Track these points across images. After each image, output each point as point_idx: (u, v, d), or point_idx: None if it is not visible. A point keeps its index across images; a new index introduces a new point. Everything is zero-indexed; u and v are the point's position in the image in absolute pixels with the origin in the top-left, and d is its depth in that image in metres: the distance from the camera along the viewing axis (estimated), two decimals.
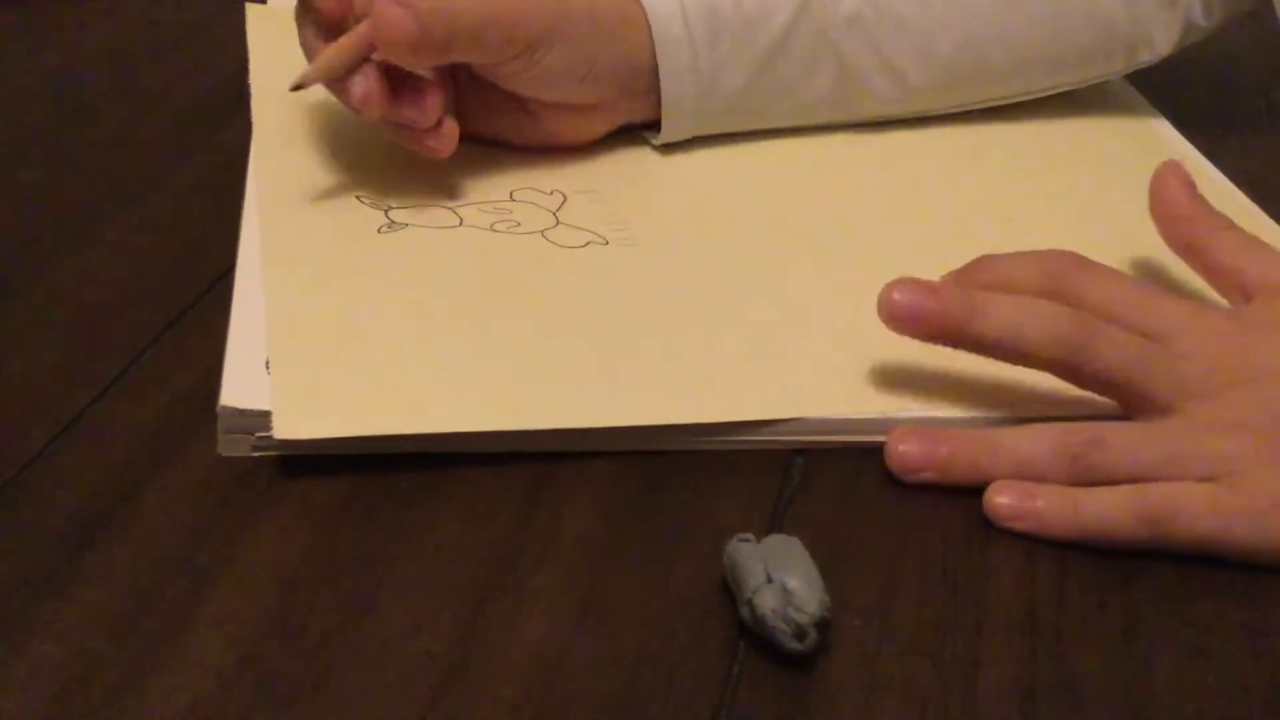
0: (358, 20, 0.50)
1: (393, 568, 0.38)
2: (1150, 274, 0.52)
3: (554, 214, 0.54)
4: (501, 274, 0.50)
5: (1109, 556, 0.41)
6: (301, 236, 0.50)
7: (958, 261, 0.47)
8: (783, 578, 0.37)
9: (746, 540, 0.38)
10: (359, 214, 0.52)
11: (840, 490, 0.43)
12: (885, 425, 0.44)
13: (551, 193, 0.55)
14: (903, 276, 0.44)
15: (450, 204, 0.53)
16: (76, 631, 0.35)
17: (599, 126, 0.58)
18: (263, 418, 0.41)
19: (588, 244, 0.53)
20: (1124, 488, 0.41)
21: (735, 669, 0.36)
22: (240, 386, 0.42)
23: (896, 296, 0.43)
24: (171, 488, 0.40)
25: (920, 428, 0.43)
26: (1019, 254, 0.46)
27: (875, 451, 0.44)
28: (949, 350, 0.44)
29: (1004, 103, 0.64)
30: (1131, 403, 0.43)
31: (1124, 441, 0.42)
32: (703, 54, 0.56)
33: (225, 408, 0.41)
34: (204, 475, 0.41)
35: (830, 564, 0.39)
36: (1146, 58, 0.64)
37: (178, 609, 0.36)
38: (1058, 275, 0.44)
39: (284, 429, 0.40)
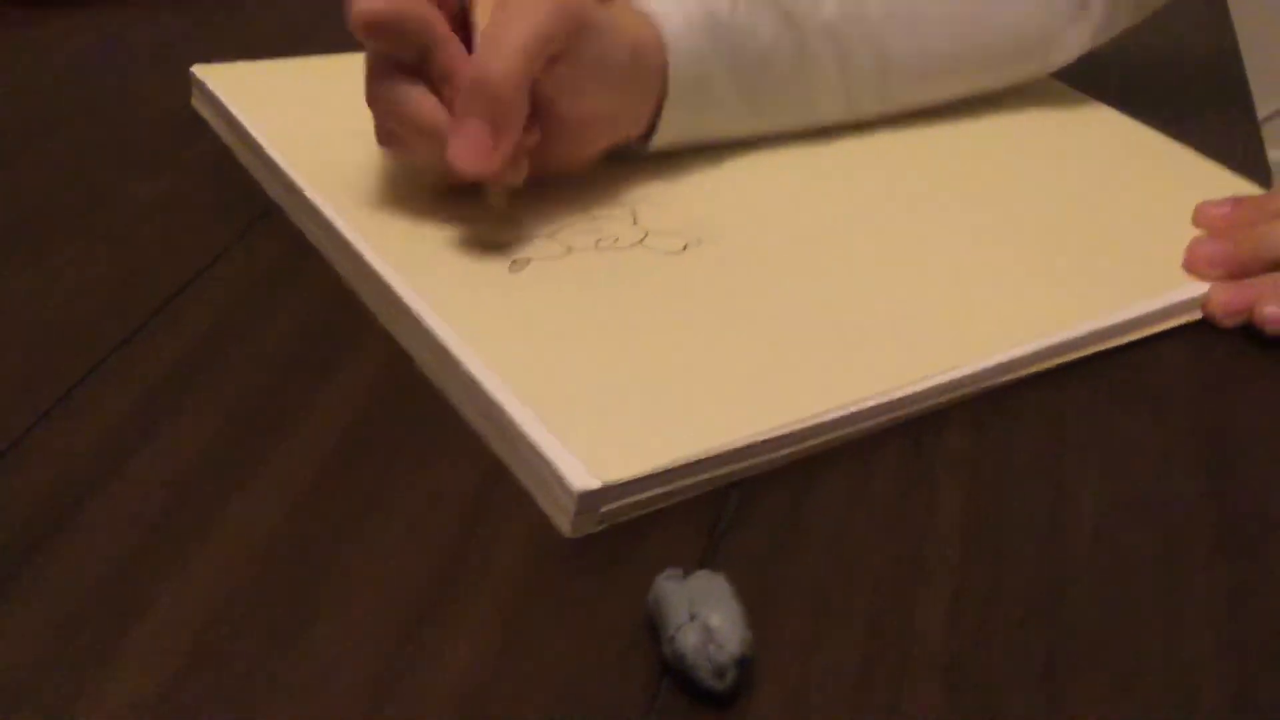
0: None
1: (322, 599, 0.39)
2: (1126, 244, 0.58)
3: (636, 224, 0.55)
4: (648, 287, 0.51)
5: (1034, 598, 0.41)
6: (465, 302, 0.49)
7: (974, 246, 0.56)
8: (705, 615, 0.37)
9: (673, 577, 0.39)
10: (479, 257, 0.51)
11: (775, 523, 0.43)
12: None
13: (615, 208, 0.56)
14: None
15: (543, 232, 0.53)
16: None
17: (600, 146, 0.56)
18: (613, 490, 0.41)
19: (686, 247, 0.54)
20: None
21: (657, 704, 0.37)
22: (573, 466, 0.42)
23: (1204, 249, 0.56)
24: (100, 519, 0.41)
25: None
26: None
27: (813, 481, 0.45)
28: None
29: (931, 104, 0.67)
30: None
31: None
32: (708, 59, 0.56)
33: (585, 494, 0.41)
34: (137, 504, 0.41)
35: (760, 600, 0.40)
36: (1059, 59, 0.68)
37: (105, 639, 0.36)
38: None
39: (603, 474, 0.41)
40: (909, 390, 0.47)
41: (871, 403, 0.46)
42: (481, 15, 0.50)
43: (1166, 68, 0.82)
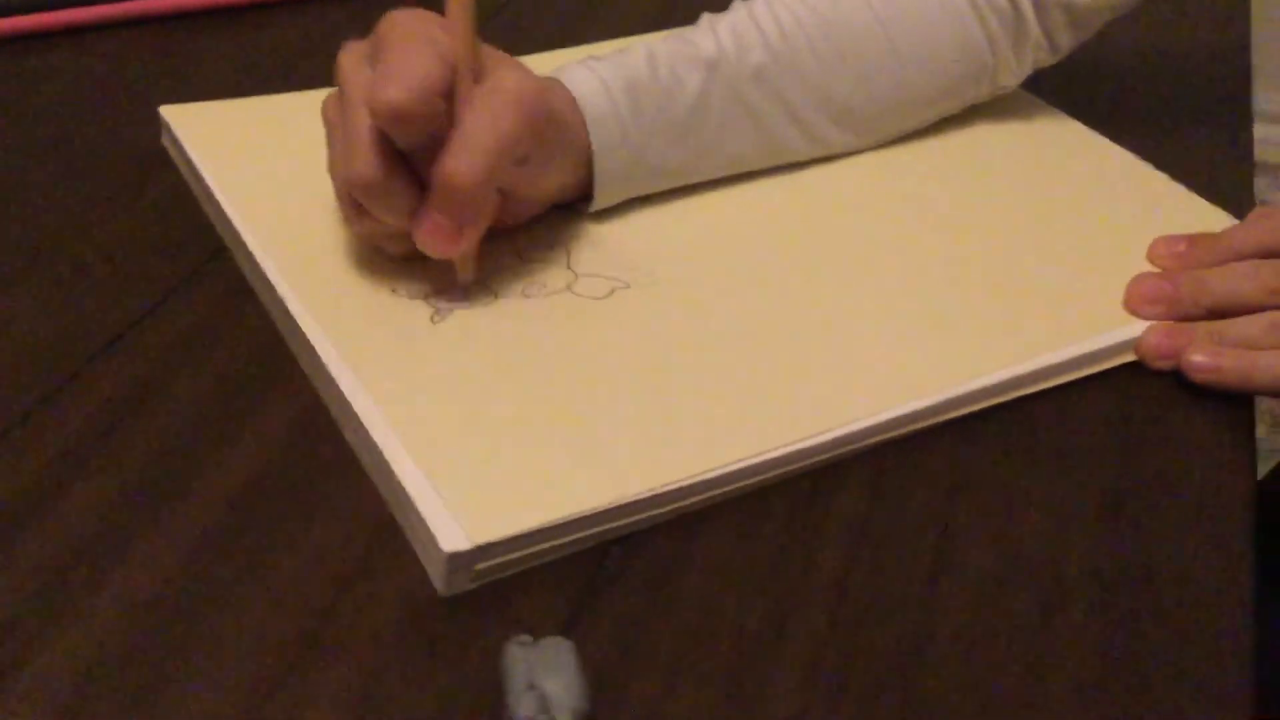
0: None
1: (191, 661, 0.41)
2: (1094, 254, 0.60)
3: (568, 267, 0.56)
4: (560, 339, 0.52)
5: (893, 665, 0.42)
6: (380, 354, 0.50)
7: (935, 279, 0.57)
8: (542, 684, 0.39)
9: (523, 643, 0.40)
10: (405, 308, 0.53)
11: (651, 581, 0.44)
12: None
13: (554, 245, 0.57)
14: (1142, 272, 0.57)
15: (480, 278, 0.55)
16: None
17: (538, 208, 0.58)
18: (485, 550, 0.43)
19: (613, 291, 0.55)
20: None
21: None
22: (447, 526, 0.43)
23: (1145, 286, 0.56)
24: None
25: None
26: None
27: (695, 537, 0.46)
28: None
29: (901, 134, 0.67)
30: None
31: None
32: (629, 125, 0.57)
33: (454, 554, 0.43)
34: (26, 570, 0.43)
35: (621, 659, 0.41)
36: (1008, 83, 0.68)
37: None
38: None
39: (473, 536, 0.43)
40: (795, 448, 0.48)
41: (756, 460, 0.47)
42: (463, 92, 0.50)
43: (1169, 68, 0.81)
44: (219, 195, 0.58)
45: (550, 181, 0.56)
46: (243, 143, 0.62)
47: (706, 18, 0.61)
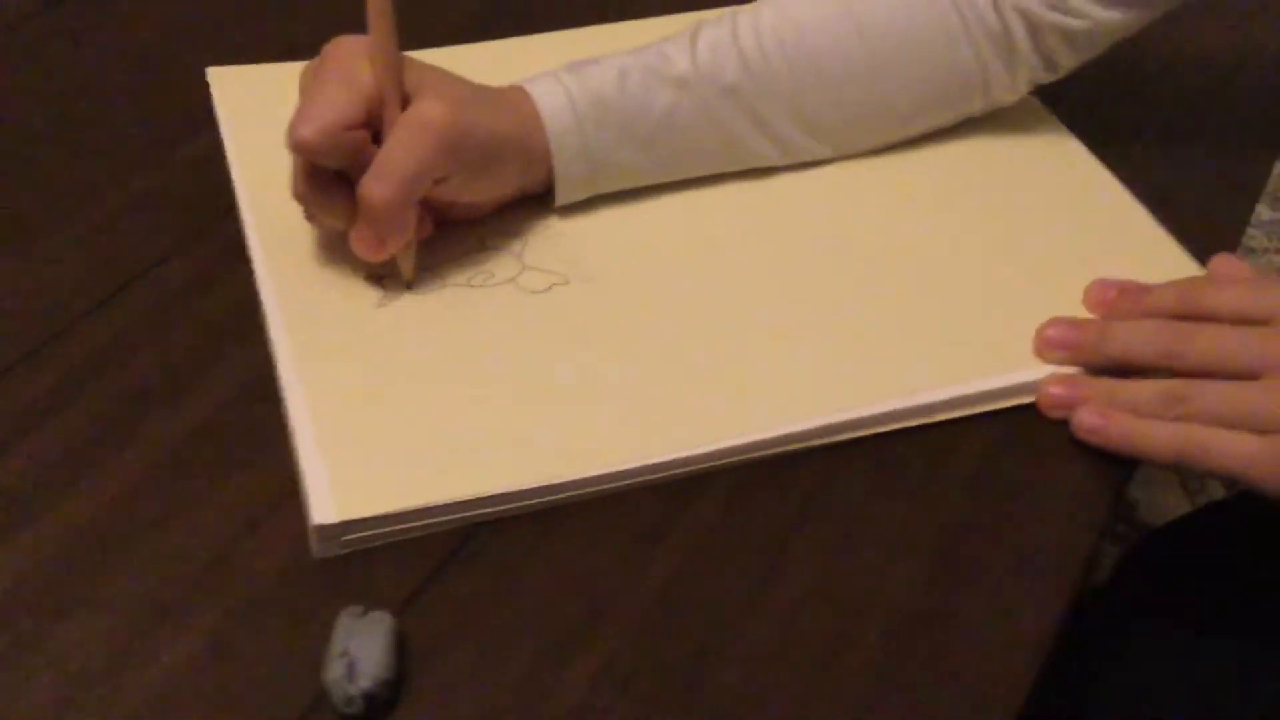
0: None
1: (93, 584, 0.49)
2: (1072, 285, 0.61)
3: (519, 259, 0.62)
4: (486, 332, 0.58)
5: (681, 677, 0.47)
6: (319, 328, 0.57)
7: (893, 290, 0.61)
8: (355, 651, 0.45)
9: (351, 613, 0.47)
10: (356, 290, 0.59)
11: (499, 566, 0.51)
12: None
13: (514, 235, 0.63)
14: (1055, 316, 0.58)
15: (429, 265, 0.60)
16: None
17: (501, 202, 0.63)
18: (351, 525, 0.50)
19: (551, 287, 0.61)
20: (1174, 427, 0.54)
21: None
22: (323, 498, 0.50)
23: (1050, 332, 0.58)
24: None
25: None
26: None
27: (553, 530, 0.52)
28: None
29: (883, 145, 0.69)
30: None
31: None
32: (592, 139, 0.62)
33: (322, 525, 0.49)
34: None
35: (447, 637, 0.48)
36: (1003, 99, 0.69)
37: None
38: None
39: (341, 512, 0.50)
40: (654, 460, 0.53)
41: (614, 469, 0.52)
42: (388, 118, 0.57)
43: (1217, 75, 0.79)
44: (230, 157, 0.66)
45: (488, 189, 0.61)
46: (272, 108, 0.68)
47: (692, 30, 0.65)
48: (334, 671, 0.45)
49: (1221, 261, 0.61)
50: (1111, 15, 0.64)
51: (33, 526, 0.51)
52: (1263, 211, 1.95)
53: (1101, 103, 0.74)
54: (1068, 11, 0.64)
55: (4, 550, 0.50)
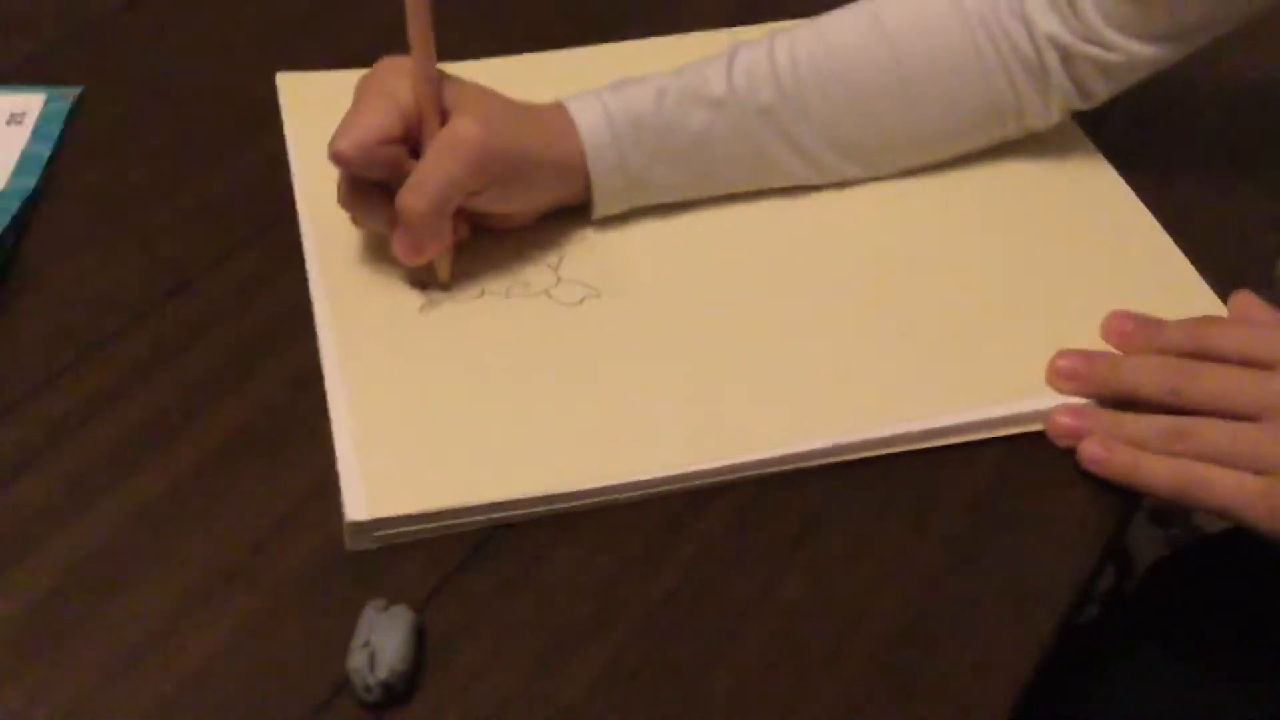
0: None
1: (145, 565, 0.53)
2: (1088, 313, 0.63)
3: (555, 270, 0.65)
4: (521, 341, 0.61)
5: (677, 681, 0.50)
6: (363, 330, 0.61)
7: (917, 313, 0.63)
8: (376, 642, 0.49)
9: (376, 606, 0.51)
10: (401, 294, 0.63)
11: (515, 567, 0.54)
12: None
13: (551, 247, 0.66)
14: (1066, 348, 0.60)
15: (470, 272, 0.64)
16: None
17: (540, 211, 0.66)
18: (382, 522, 0.53)
19: (584, 299, 0.64)
20: (1175, 462, 0.56)
21: (331, 704, 0.49)
22: (356, 495, 0.54)
23: (1062, 362, 0.60)
24: None
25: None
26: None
27: (565, 535, 0.55)
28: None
29: (916, 167, 0.70)
30: None
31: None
32: (629, 154, 0.65)
33: (354, 522, 0.53)
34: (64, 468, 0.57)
35: (462, 632, 0.52)
36: (1036, 125, 0.70)
37: None
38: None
39: (372, 510, 0.53)
40: (670, 473, 0.56)
41: (633, 479, 0.55)
42: (426, 137, 0.61)
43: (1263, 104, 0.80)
44: (292, 161, 0.70)
45: (522, 202, 0.64)
46: (335, 115, 0.71)
47: (730, 51, 0.67)
48: (356, 660, 0.49)
49: (1241, 299, 0.63)
50: (1146, 49, 0.66)
51: (92, 511, 0.55)
52: None
53: (1140, 128, 0.75)
54: (1101, 44, 0.66)
55: (64, 531, 0.54)
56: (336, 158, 0.60)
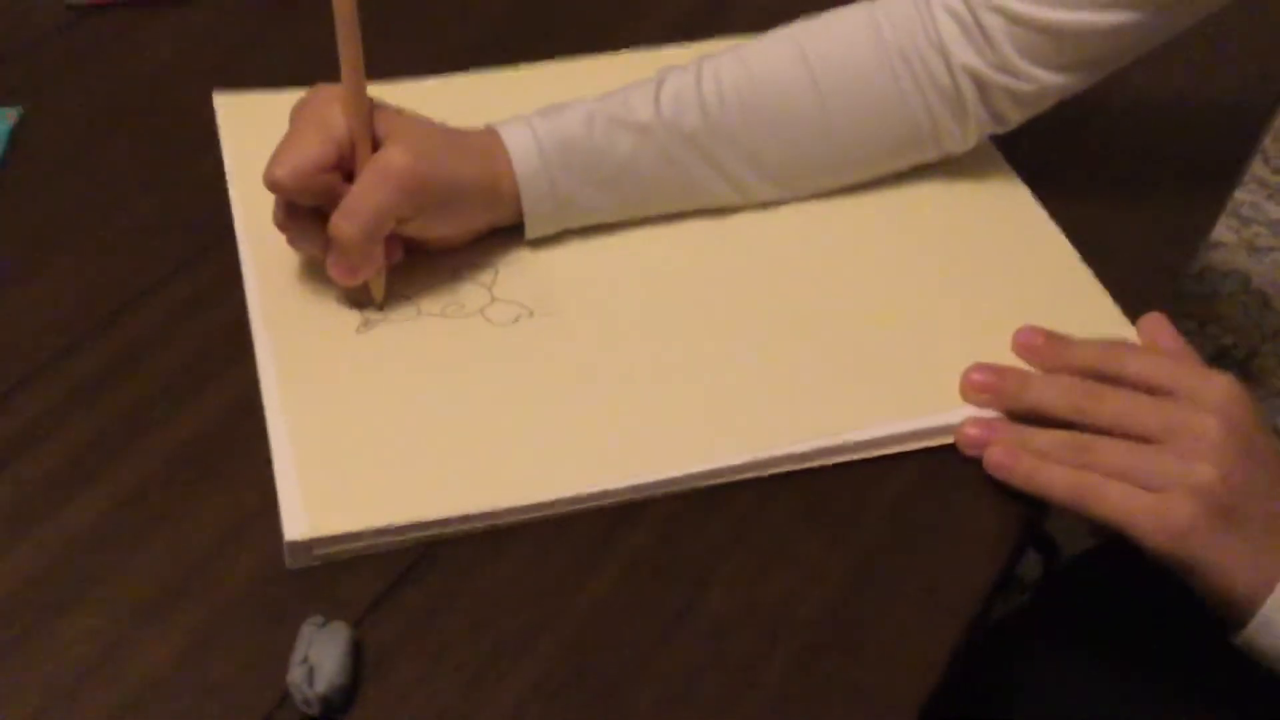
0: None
1: (85, 587, 0.55)
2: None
3: (489, 290, 0.67)
4: (456, 361, 0.63)
5: (604, 693, 0.53)
6: (302, 351, 0.63)
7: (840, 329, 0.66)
8: (313, 659, 0.51)
9: (313, 623, 0.53)
10: (339, 315, 0.65)
11: (448, 584, 0.56)
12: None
13: (485, 267, 0.68)
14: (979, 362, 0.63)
15: (406, 293, 0.66)
16: None
17: (474, 234, 0.68)
18: (321, 541, 0.55)
19: (518, 319, 0.66)
20: (1072, 471, 0.59)
21: (272, 718, 0.51)
22: (295, 515, 0.56)
23: (975, 376, 0.63)
24: None
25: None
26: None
27: (502, 551, 0.57)
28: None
29: (837, 188, 0.73)
30: None
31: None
32: (558, 179, 0.67)
33: (293, 542, 0.55)
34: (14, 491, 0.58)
35: (399, 646, 0.54)
36: (953, 149, 0.73)
37: None
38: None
39: (312, 529, 0.55)
40: (599, 488, 0.58)
41: (563, 496, 0.58)
42: (359, 164, 0.63)
43: (1174, 116, 0.83)
44: (230, 182, 0.71)
45: (453, 227, 0.66)
46: (273, 135, 0.72)
47: (658, 77, 0.69)
48: (295, 675, 0.51)
49: (1150, 321, 0.66)
50: (1056, 78, 0.69)
51: (36, 532, 0.57)
52: (1271, 210, 1.98)
53: (1051, 147, 0.78)
54: (1016, 74, 0.68)
55: (10, 553, 0.56)
56: (272, 185, 0.61)
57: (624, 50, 0.83)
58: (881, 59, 0.69)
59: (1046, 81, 0.69)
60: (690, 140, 0.68)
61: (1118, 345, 0.64)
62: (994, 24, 0.67)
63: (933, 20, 0.68)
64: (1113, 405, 0.60)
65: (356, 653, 0.52)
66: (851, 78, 0.69)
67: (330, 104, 0.62)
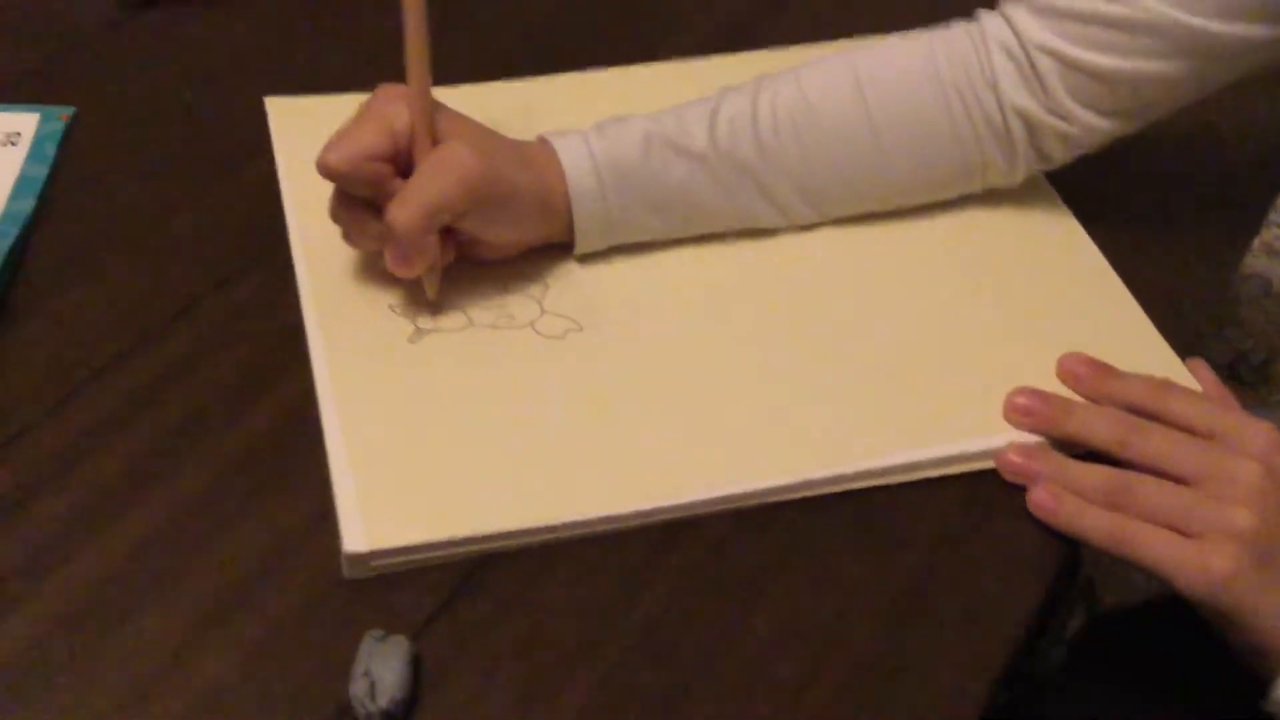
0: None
1: (152, 591, 0.56)
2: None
3: (539, 303, 0.68)
4: (508, 373, 0.64)
5: (659, 702, 0.54)
6: (356, 360, 0.64)
7: (883, 350, 0.67)
8: (374, 673, 0.52)
9: (374, 636, 0.54)
10: (392, 323, 0.66)
11: (503, 597, 0.57)
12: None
13: (535, 279, 0.69)
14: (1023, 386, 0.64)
15: (458, 302, 0.67)
16: None
17: (524, 246, 0.69)
18: (379, 554, 0.56)
19: (567, 333, 0.67)
20: (1114, 517, 0.60)
21: None
22: (353, 527, 0.57)
23: (1019, 399, 0.64)
24: None
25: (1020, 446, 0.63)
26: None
27: (554, 565, 0.58)
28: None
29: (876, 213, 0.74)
30: None
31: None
32: (611, 200, 0.68)
33: (352, 554, 0.56)
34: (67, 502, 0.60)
35: (457, 659, 0.55)
36: (1000, 183, 0.73)
37: None
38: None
39: (370, 542, 0.56)
40: (650, 506, 0.59)
41: (622, 510, 0.59)
42: (419, 158, 0.64)
43: (1224, 148, 0.84)
44: (282, 186, 0.72)
45: (507, 233, 0.67)
46: (324, 139, 0.73)
47: (716, 100, 0.70)
48: (357, 689, 0.52)
49: (1196, 367, 0.67)
50: (1104, 123, 0.69)
51: (99, 538, 0.58)
52: None
53: (1096, 171, 0.78)
54: (1066, 117, 0.69)
55: (75, 559, 0.57)
56: (324, 170, 0.63)
57: (666, 61, 0.84)
58: (937, 95, 0.70)
59: (1096, 125, 0.69)
60: (744, 169, 0.69)
61: (1162, 383, 0.65)
62: (1048, 67, 0.68)
63: (989, 58, 0.69)
64: (1155, 443, 0.61)
65: (416, 667, 0.54)
66: (906, 112, 0.70)
67: (393, 100, 0.64)
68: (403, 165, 0.64)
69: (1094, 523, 0.60)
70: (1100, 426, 0.62)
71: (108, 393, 0.64)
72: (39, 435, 0.62)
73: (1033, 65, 0.68)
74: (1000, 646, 0.57)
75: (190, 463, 0.61)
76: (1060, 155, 0.72)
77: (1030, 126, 0.70)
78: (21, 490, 0.59)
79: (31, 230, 0.71)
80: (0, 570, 0.56)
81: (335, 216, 0.66)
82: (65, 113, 0.77)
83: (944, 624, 0.58)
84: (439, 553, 0.58)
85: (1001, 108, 0.69)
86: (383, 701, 0.52)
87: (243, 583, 0.57)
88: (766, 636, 0.57)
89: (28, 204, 0.71)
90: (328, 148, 0.63)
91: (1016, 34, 0.68)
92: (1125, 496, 0.60)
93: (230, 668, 0.54)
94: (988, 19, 0.70)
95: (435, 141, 0.64)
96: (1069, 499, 0.61)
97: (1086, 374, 0.65)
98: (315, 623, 0.56)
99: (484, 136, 0.66)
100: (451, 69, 0.72)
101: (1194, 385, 0.66)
